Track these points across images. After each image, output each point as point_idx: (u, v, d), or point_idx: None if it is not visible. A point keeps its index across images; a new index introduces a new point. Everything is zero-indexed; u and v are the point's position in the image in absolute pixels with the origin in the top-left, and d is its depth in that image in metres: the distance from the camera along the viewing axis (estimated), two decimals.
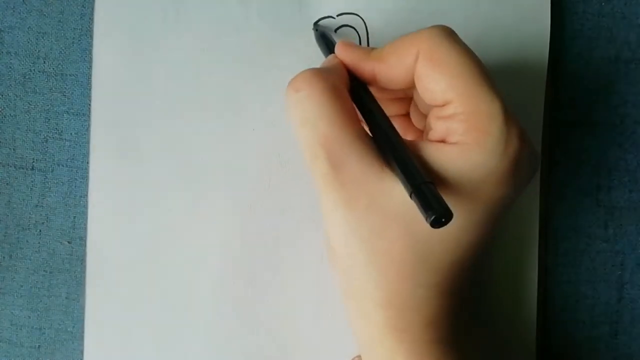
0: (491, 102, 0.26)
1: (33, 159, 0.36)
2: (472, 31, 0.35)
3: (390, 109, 0.32)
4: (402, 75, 0.28)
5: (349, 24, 0.35)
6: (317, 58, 0.33)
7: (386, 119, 0.28)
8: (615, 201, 0.36)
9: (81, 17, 0.36)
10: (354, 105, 0.28)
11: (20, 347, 0.36)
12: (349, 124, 0.26)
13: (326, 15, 0.35)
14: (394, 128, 0.27)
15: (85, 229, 0.35)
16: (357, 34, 0.35)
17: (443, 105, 0.26)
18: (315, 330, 0.35)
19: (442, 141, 0.26)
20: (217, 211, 0.35)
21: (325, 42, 0.33)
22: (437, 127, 0.26)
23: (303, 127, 0.27)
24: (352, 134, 0.26)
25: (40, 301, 0.36)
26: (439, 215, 0.22)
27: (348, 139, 0.26)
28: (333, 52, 0.30)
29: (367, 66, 0.29)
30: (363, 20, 0.35)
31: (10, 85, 0.36)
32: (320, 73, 0.27)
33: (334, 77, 0.28)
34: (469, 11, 0.35)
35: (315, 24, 0.35)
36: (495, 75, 0.35)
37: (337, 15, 0.35)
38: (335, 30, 0.35)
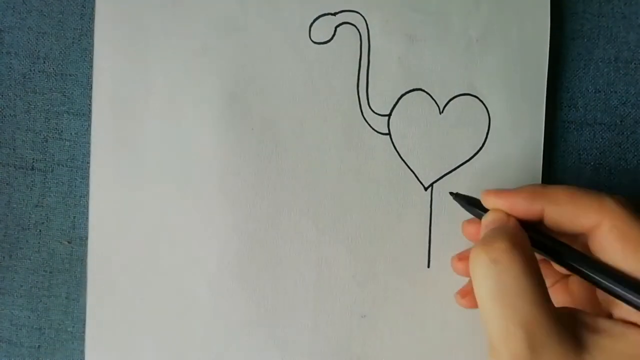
0: None
1: (33, 159, 0.36)
2: (472, 31, 0.35)
3: (550, 278, 0.32)
4: (572, 227, 0.28)
5: (349, 21, 0.35)
6: (317, 55, 0.34)
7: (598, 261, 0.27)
8: None
9: (81, 17, 0.36)
10: (544, 281, 0.27)
11: (20, 347, 0.37)
12: (547, 303, 0.25)
13: (325, 12, 0.35)
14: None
15: (86, 229, 0.35)
16: (357, 31, 0.35)
17: None
18: (314, 330, 0.35)
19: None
20: (217, 211, 0.35)
21: (467, 200, 0.32)
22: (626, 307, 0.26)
23: (499, 302, 0.25)
24: (552, 316, 0.25)
25: (40, 301, 0.36)
26: None
27: (549, 321, 0.25)
28: (479, 207, 0.30)
29: (536, 205, 0.28)
30: (363, 17, 0.35)
31: (10, 85, 0.36)
32: (520, 244, 0.26)
33: (528, 247, 0.27)
34: (469, 11, 0.35)
35: (452, 194, 0.33)
36: (494, 75, 0.35)
37: (336, 13, 0.35)
38: (336, 28, 0.35)
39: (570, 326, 0.26)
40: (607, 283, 0.26)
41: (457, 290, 0.33)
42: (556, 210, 0.28)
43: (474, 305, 0.31)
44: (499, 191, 0.29)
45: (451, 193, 0.33)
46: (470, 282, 0.32)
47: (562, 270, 0.30)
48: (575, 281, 0.31)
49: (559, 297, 0.31)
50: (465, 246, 0.34)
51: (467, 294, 0.32)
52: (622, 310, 0.26)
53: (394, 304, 0.35)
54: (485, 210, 0.30)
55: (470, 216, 0.32)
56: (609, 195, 0.27)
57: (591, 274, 0.27)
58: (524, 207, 0.28)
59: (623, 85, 0.36)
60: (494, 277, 0.26)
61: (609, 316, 0.27)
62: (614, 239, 0.26)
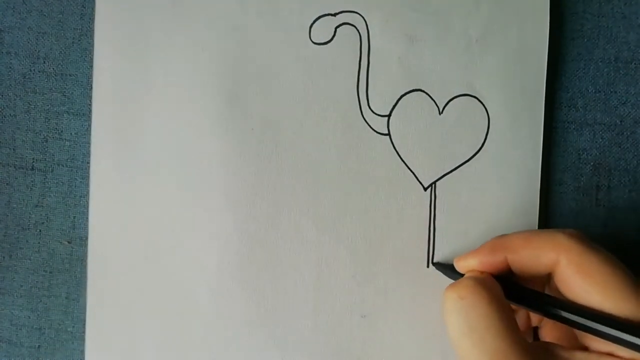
0: None
1: (33, 159, 0.36)
2: (472, 31, 0.35)
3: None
4: (535, 269, 0.29)
5: (349, 21, 0.35)
6: (317, 55, 0.33)
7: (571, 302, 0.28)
8: (615, 201, 0.36)
9: (81, 17, 0.36)
10: (514, 316, 0.28)
11: (20, 347, 0.37)
12: (516, 336, 0.26)
13: (326, 13, 0.35)
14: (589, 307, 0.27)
15: (86, 229, 0.36)
16: (357, 31, 0.35)
17: None
18: (315, 330, 0.35)
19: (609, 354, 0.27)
20: (217, 211, 0.35)
21: (447, 268, 0.33)
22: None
23: (468, 337, 0.26)
24: (521, 349, 0.26)
25: (40, 301, 0.37)
26: None
27: (518, 355, 0.25)
28: (457, 272, 0.31)
29: (497, 257, 0.29)
30: (363, 17, 0.35)
31: (10, 85, 0.36)
32: (483, 282, 0.28)
33: (496, 288, 0.28)
34: (469, 11, 0.35)
35: (434, 264, 0.35)
36: (494, 75, 0.35)
37: (337, 14, 0.35)
38: (336, 29, 0.35)
39: (544, 359, 0.26)
40: (575, 320, 0.27)
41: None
42: (516, 257, 0.29)
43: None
44: (466, 255, 0.31)
45: (434, 263, 0.35)
46: None
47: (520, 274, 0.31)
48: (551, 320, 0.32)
49: (548, 334, 0.32)
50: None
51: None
52: (597, 342, 0.27)
53: (393, 304, 0.35)
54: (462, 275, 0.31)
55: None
56: (562, 231, 0.28)
57: (560, 314, 0.27)
58: (489, 261, 0.30)
59: (623, 85, 0.36)
60: (461, 312, 0.27)
61: (585, 349, 0.28)
62: (572, 273, 0.27)
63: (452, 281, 0.32)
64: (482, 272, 0.30)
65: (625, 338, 0.25)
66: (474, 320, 0.26)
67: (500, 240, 0.30)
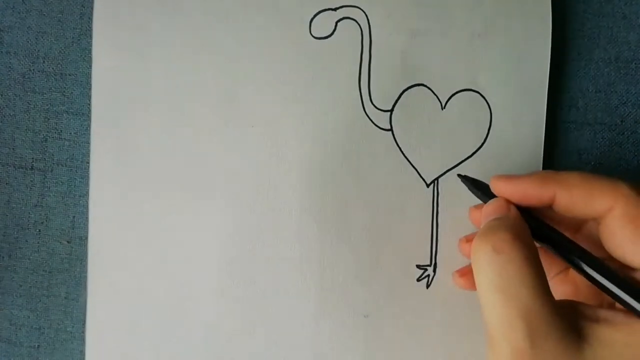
0: None
1: (32, 158, 0.36)
2: (475, 25, 0.35)
3: (553, 269, 0.32)
4: (584, 212, 0.28)
5: (350, 16, 0.35)
6: (318, 50, 0.33)
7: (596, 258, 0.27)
8: None
9: (81, 17, 0.36)
10: (545, 273, 0.27)
11: (20, 346, 0.36)
12: (548, 294, 0.25)
13: (326, 7, 0.35)
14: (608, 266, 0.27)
15: (85, 228, 0.35)
16: (358, 26, 0.35)
17: (636, 269, 0.26)
18: (317, 330, 0.35)
19: None
20: (217, 210, 0.35)
21: (476, 185, 0.32)
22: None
23: (500, 293, 0.25)
24: (553, 308, 0.25)
25: (40, 301, 0.36)
26: None
27: (550, 314, 0.25)
28: (488, 193, 0.30)
29: (547, 190, 0.28)
30: (364, 12, 0.35)
31: (10, 84, 0.36)
32: (522, 235, 0.27)
33: (530, 238, 0.27)
34: (471, 5, 0.35)
35: (460, 175, 0.33)
36: (497, 70, 0.35)
37: (337, 8, 0.35)
38: (336, 23, 0.35)
39: (570, 318, 0.25)
40: (600, 280, 0.26)
41: (467, 292, 0.33)
42: (568, 195, 0.28)
43: (471, 286, 0.32)
44: (509, 177, 0.29)
45: (459, 175, 0.33)
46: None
47: (560, 213, 0.30)
48: (576, 272, 0.31)
49: (560, 288, 0.31)
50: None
51: (467, 274, 0.32)
52: None
53: (396, 304, 0.35)
54: (492, 196, 0.30)
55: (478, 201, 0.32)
56: (623, 180, 0.27)
57: (586, 270, 0.27)
58: (535, 192, 0.28)
59: (623, 85, 0.36)
60: (497, 267, 0.26)
61: (611, 306, 0.27)
62: (625, 223, 0.26)
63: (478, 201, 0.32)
64: (509, 206, 0.29)
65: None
66: (509, 276, 0.25)
67: (554, 174, 0.29)
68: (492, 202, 0.30)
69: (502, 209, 0.29)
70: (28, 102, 0.36)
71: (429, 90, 0.35)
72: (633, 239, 0.26)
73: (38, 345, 0.36)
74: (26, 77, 0.36)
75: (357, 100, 0.35)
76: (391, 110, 0.35)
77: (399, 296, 0.35)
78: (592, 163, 0.36)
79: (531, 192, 0.29)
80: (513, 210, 0.29)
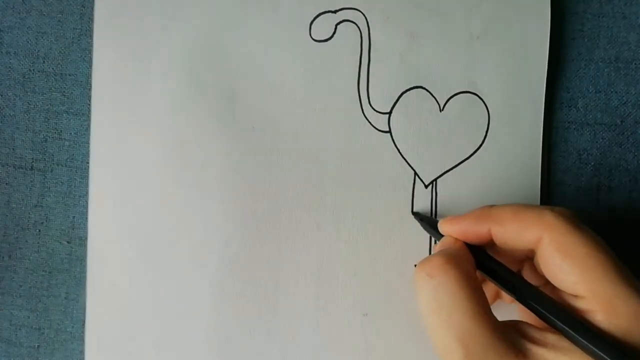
0: (629, 301, 0.25)
1: (32, 158, 0.36)
2: (473, 28, 0.35)
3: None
4: (518, 244, 0.28)
5: (350, 18, 0.35)
6: (317, 53, 0.33)
7: (532, 287, 0.28)
8: (615, 201, 0.36)
9: (81, 17, 0.36)
10: (485, 295, 0.27)
11: (20, 347, 0.36)
12: (485, 316, 0.26)
13: (326, 10, 0.35)
14: (546, 295, 0.27)
15: (85, 229, 0.35)
16: (357, 28, 0.35)
17: (575, 296, 0.26)
18: (316, 328, 0.35)
19: None
20: (217, 210, 0.35)
21: (430, 225, 0.33)
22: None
23: (436, 315, 0.26)
24: (489, 328, 0.26)
25: (40, 301, 0.36)
26: None
27: (486, 334, 0.25)
28: (437, 230, 0.31)
29: (482, 227, 0.29)
30: (364, 14, 0.35)
31: (10, 85, 0.36)
32: (454, 259, 0.27)
33: (466, 263, 0.28)
34: (470, 8, 0.35)
35: (414, 213, 0.35)
36: (495, 72, 0.35)
37: (337, 10, 0.35)
38: (336, 26, 0.35)
39: (514, 338, 0.26)
40: (539, 310, 0.27)
41: None
42: (502, 230, 0.28)
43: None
44: (453, 218, 0.30)
45: (413, 213, 0.35)
46: None
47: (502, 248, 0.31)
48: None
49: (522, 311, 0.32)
50: None
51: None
52: None
53: (395, 302, 0.35)
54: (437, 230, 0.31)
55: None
56: (551, 209, 0.28)
57: (525, 300, 0.27)
58: (473, 229, 0.29)
59: (623, 85, 0.36)
60: (430, 290, 0.27)
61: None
62: (553, 251, 0.26)
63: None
64: (455, 241, 0.30)
65: (583, 343, 0.25)
66: (442, 298, 0.26)
67: (487, 210, 0.29)
68: (441, 240, 0.31)
69: (448, 244, 0.30)
70: (28, 102, 0.36)
71: (428, 93, 0.35)
72: (563, 267, 0.26)
73: (38, 345, 0.36)
74: (26, 77, 0.36)
75: (356, 102, 0.35)
76: (390, 112, 0.35)
77: (398, 295, 0.35)
78: (592, 163, 0.36)
79: (469, 230, 0.29)
80: (458, 243, 0.30)
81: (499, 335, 0.25)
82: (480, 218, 0.29)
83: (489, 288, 0.32)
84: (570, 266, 0.26)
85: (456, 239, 0.30)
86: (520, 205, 0.29)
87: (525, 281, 0.28)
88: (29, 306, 0.36)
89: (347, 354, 0.35)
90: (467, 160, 0.35)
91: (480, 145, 0.35)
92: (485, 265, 0.29)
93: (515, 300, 0.31)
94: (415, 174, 0.35)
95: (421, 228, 0.34)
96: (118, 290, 0.35)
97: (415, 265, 0.34)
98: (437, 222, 0.31)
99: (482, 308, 0.26)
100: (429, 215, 0.35)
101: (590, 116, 0.36)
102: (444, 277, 0.26)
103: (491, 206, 0.30)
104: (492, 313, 0.26)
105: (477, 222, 0.29)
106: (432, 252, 0.32)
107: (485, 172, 0.35)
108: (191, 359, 0.35)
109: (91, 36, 0.35)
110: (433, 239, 0.35)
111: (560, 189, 0.36)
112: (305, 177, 0.35)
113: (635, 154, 0.36)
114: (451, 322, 0.26)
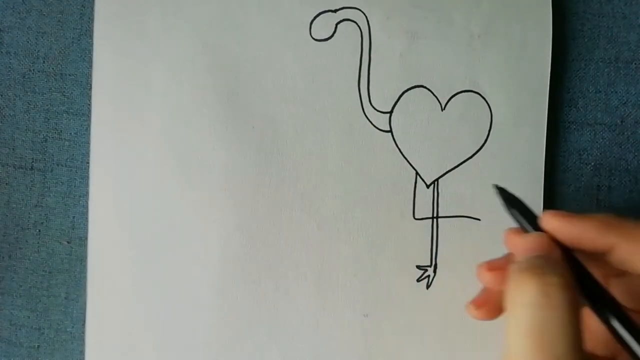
0: None
1: (32, 158, 0.36)
2: (474, 27, 0.35)
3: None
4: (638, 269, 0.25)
5: (350, 18, 0.35)
6: (317, 52, 0.33)
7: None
8: (615, 201, 0.36)
9: (81, 17, 0.36)
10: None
11: (20, 347, 0.36)
12: (581, 346, 0.23)
13: (326, 9, 0.35)
14: None
15: (85, 229, 0.35)
16: (358, 28, 0.35)
17: None
18: (316, 329, 0.35)
19: None
20: (217, 210, 0.35)
21: (522, 212, 0.28)
22: None
23: (534, 338, 0.23)
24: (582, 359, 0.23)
25: (40, 301, 0.36)
26: None
27: None
28: (533, 223, 0.27)
29: (605, 238, 0.25)
30: (364, 14, 0.35)
31: (10, 85, 0.36)
32: (571, 283, 0.23)
33: (573, 287, 0.24)
34: (470, 7, 0.35)
35: (498, 188, 0.29)
36: (496, 71, 0.35)
37: (337, 10, 0.35)
38: (336, 25, 0.35)
39: None
40: (630, 345, 0.23)
41: (470, 299, 0.30)
42: (631, 249, 0.25)
43: (488, 316, 0.29)
44: (565, 215, 0.26)
45: (496, 186, 0.29)
46: (485, 291, 0.30)
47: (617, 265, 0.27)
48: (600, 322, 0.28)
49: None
50: (468, 244, 0.34)
51: (484, 305, 0.29)
52: None
53: (396, 303, 0.35)
54: (531, 223, 0.27)
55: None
56: None
57: (619, 331, 0.24)
58: (592, 238, 0.25)
59: (623, 85, 0.36)
60: (538, 311, 0.23)
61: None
62: None
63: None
64: (554, 248, 0.26)
65: None
66: (551, 323, 0.23)
67: (617, 221, 0.25)
68: (537, 235, 0.27)
69: (546, 247, 0.26)
70: (28, 102, 0.36)
71: (429, 92, 0.35)
72: None
73: (38, 345, 0.36)
74: (26, 77, 0.36)
75: (357, 101, 0.35)
76: (390, 112, 0.35)
77: (399, 296, 0.35)
78: (592, 163, 0.36)
79: (587, 237, 0.26)
80: (557, 253, 0.26)
81: None
82: (608, 228, 0.25)
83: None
84: None
85: (555, 245, 0.26)
86: None
87: (622, 309, 0.24)
88: (29, 306, 0.36)
89: (347, 354, 0.35)
90: (469, 160, 0.35)
91: (483, 144, 0.35)
92: (581, 281, 0.25)
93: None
94: (417, 173, 0.35)
95: (422, 226, 0.34)
96: (118, 290, 0.35)
97: (417, 267, 0.34)
98: (534, 212, 0.28)
99: (581, 340, 0.23)
100: (436, 211, 0.34)
101: (590, 116, 0.36)
102: (560, 301, 0.23)
103: (618, 216, 0.26)
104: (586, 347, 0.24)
105: (602, 232, 0.25)
106: (523, 247, 0.26)
107: (487, 172, 0.35)
108: (191, 359, 0.35)
109: (91, 36, 0.35)
110: (434, 238, 0.35)
111: (560, 189, 0.36)
112: (306, 177, 0.35)
113: (635, 154, 0.36)
114: (550, 351, 0.22)
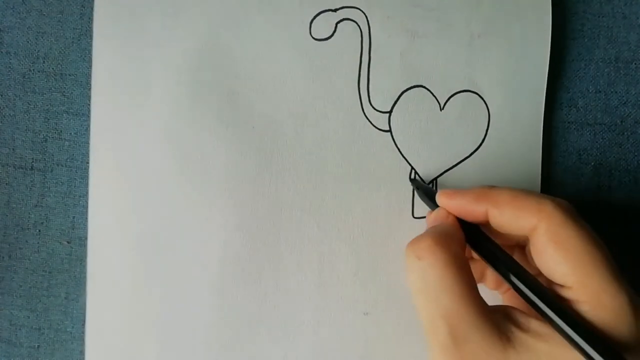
0: (616, 295, 0.25)
1: (32, 158, 0.36)
2: (474, 27, 0.35)
3: None
4: (513, 230, 0.28)
5: (350, 17, 0.35)
6: (317, 51, 0.33)
7: (524, 271, 0.28)
8: (615, 201, 0.36)
9: (81, 17, 0.36)
10: (473, 277, 0.28)
11: (20, 347, 0.36)
12: (471, 297, 0.27)
13: (326, 8, 0.35)
14: (537, 281, 0.27)
15: (85, 229, 0.35)
16: (358, 27, 0.35)
17: (562, 286, 0.27)
18: (317, 328, 0.35)
19: None
20: (217, 210, 0.35)
21: (426, 193, 0.33)
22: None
23: (424, 296, 0.27)
24: (475, 309, 0.26)
25: (40, 301, 0.36)
26: None
27: (471, 314, 0.26)
28: (434, 201, 0.31)
29: (480, 207, 0.29)
30: (364, 13, 0.35)
31: (10, 85, 0.36)
32: (443, 241, 0.28)
33: (455, 244, 0.28)
34: (470, 7, 0.35)
35: (411, 179, 0.35)
36: (495, 71, 0.35)
37: (337, 9, 0.35)
38: (336, 25, 0.35)
39: (501, 322, 0.26)
40: (524, 291, 0.27)
41: None
42: (498, 213, 0.28)
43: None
44: (451, 192, 0.30)
45: (411, 179, 0.34)
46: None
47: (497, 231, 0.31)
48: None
49: (512, 296, 0.32)
50: None
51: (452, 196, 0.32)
52: None
53: (396, 302, 0.35)
54: (433, 202, 0.32)
55: None
56: (551, 199, 0.28)
57: (513, 281, 0.27)
58: (470, 208, 0.29)
59: (623, 85, 0.36)
60: (419, 272, 0.27)
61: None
62: (547, 241, 0.27)
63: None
64: (448, 215, 0.30)
65: (567, 332, 0.25)
66: (429, 280, 0.27)
67: (487, 191, 0.29)
68: (435, 211, 0.31)
69: (441, 218, 0.31)
70: (28, 102, 0.36)
71: (428, 92, 0.35)
72: (555, 258, 0.26)
73: (38, 345, 0.36)
74: (26, 77, 0.36)
75: (357, 101, 0.35)
76: (390, 112, 0.35)
77: (399, 294, 0.35)
78: (592, 163, 0.36)
79: (466, 208, 0.30)
80: (451, 219, 0.30)
81: (484, 317, 0.26)
82: (479, 197, 0.29)
83: (475, 268, 0.32)
84: (562, 257, 0.26)
85: (449, 213, 0.30)
86: (520, 191, 0.29)
87: (517, 263, 0.28)
88: (29, 306, 0.36)
89: (347, 353, 0.35)
90: (468, 159, 0.35)
91: (481, 144, 0.35)
92: (478, 244, 0.29)
93: (498, 288, 0.32)
94: (416, 173, 0.35)
95: (421, 224, 0.34)
96: (118, 290, 0.35)
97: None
98: (434, 192, 0.32)
99: (469, 290, 0.27)
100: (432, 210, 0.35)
101: (590, 116, 0.36)
102: (432, 259, 0.27)
103: (491, 187, 0.30)
104: (479, 295, 0.27)
105: (475, 201, 0.29)
106: (427, 222, 0.32)
107: (485, 171, 0.35)
108: (191, 359, 0.35)
109: (91, 36, 0.35)
110: None
111: (560, 189, 0.36)
112: (306, 177, 0.35)
113: (635, 154, 0.36)
114: (438, 303, 0.26)
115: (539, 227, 0.27)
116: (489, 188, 0.30)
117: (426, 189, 0.33)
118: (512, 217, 0.28)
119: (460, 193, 0.30)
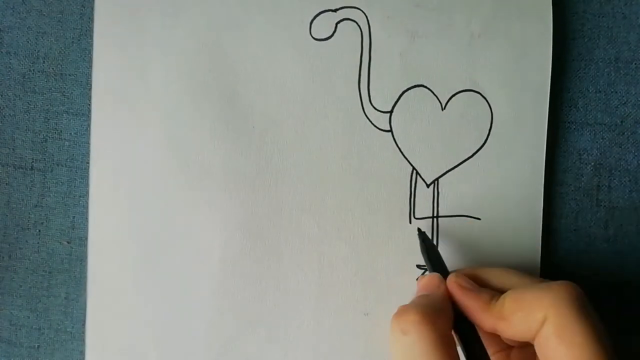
0: None
1: (32, 158, 0.36)
2: (474, 26, 0.35)
3: (492, 346, 0.32)
4: (525, 334, 0.27)
5: (350, 17, 0.35)
6: (318, 51, 0.33)
7: None
8: (615, 201, 0.36)
9: (81, 17, 0.36)
10: (458, 356, 0.27)
11: (20, 347, 0.36)
12: None
13: (326, 8, 0.35)
14: None
15: (85, 229, 0.35)
16: (358, 27, 0.35)
17: None
18: (317, 328, 0.35)
19: None
20: (217, 210, 0.35)
21: (428, 251, 0.33)
22: None
23: None
24: None
25: (40, 301, 0.36)
26: None
27: None
28: (433, 262, 0.31)
29: (487, 321, 0.28)
30: (364, 13, 0.35)
31: (10, 85, 0.36)
32: (430, 317, 0.27)
33: (442, 321, 0.28)
34: (471, 6, 0.35)
35: (420, 232, 0.34)
36: (497, 71, 0.35)
37: (337, 9, 0.35)
38: (336, 25, 0.35)
39: None
40: None
41: None
42: (507, 326, 0.28)
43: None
44: (462, 283, 0.30)
45: (419, 230, 0.34)
46: None
47: (508, 340, 0.31)
48: (516, 355, 0.31)
49: None
50: (468, 244, 0.34)
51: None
52: None
53: (396, 302, 0.34)
54: (434, 264, 0.31)
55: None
56: (556, 286, 0.27)
57: None
58: (477, 317, 0.29)
59: (623, 85, 0.36)
60: (402, 347, 0.27)
61: None
62: (550, 335, 0.26)
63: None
64: (440, 285, 0.30)
65: None
66: (414, 357, 0.26)
67: (491, 307, 0.28)
68: (427, 276, 0.31)
69: (433, 287, 0.30)
70: (28, 102, 0.36)
71: (429, 91, 0.35)
72: (557, 352, 0.26)
73: (38, 345, 0.36)
74: (26, 77, 0.36)
75: (357, 101, 0.35)
76: (391, 112, 0.35)
77: (399, 295, 0.35)
78: (592, 163, 0.36)
79: (473, 315, 0.29)
80: (442, 290, 0.30)
81: None
82: (484, 306, 0.28)
83: None
84: (564, 354, 0.26)
85: (441, 283, 0.30)
86: (523, 290, 0.28)
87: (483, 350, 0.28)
88: (29, 306, 0.36)
89: (347, 354, 0.35)
90: (470, 160, 0.35)
91: (483, 144, 0.35)
92: (460, 329, 0.29)
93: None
94: (417, 173, 0.35)
95: (422, 225, 0.34)
96: (118, 290, 0.35)
97: (417, 266, 0.35)
98: (437, 253, 0.31)
99: None
100: (436, 210, 0.35)
101: (590, 116, 0.36)
102: (417, 336, 0.26)
103: (492, 296, 0.29)
104: None
105: (483, 311, 0.28)
106: (417, 287, 0.32)
107: (487, 171, 0.35)
108: (191, 358, 0.35)
109: (91, 36, 0.35)
110: (435, 237, 0.35)
111: (560, 189, 0.36)
112: (306, 177, 0.35)
113: (635, 154, 0.36)
114: None
115: (546, 320, 0.26)
116: (489, 299, 0.29)
117: (429, 247, 0.33)
118: (520, 322, 0.27)
119: (473, 294, 0.29)
